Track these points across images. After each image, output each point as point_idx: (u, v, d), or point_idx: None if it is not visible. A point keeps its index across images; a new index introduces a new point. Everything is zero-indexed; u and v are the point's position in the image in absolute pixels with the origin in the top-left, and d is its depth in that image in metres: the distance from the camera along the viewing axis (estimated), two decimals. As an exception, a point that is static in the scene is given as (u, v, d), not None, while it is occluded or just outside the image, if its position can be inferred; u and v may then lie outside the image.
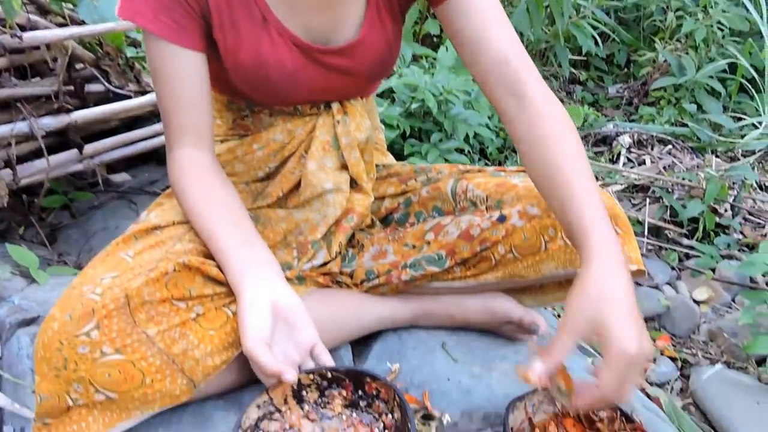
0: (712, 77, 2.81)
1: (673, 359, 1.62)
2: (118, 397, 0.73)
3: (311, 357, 0.81)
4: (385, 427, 0.80)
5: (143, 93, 1.64)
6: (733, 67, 2.94)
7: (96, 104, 1.54)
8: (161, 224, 0.89)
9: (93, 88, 1.59)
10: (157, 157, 1.85)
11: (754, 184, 2.32)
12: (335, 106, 0.99)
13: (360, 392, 0.83)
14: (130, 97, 1.58)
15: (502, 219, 0.94)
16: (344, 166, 1.00)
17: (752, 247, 2.03)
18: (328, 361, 0.81)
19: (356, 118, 1.00)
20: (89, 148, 1.45)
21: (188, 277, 0.81)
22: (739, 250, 2.01)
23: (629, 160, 2.55)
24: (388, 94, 2.05)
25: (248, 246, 0.84)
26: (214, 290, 0.83)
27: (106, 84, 1.59)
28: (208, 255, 0.88)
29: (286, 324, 0.79)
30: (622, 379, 0.67)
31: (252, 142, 1.02)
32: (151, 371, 0.74)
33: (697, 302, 1.85)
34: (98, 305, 0.72)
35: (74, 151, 1.43)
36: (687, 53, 2.88)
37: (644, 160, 2.52)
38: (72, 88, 1.51)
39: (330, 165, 0.98)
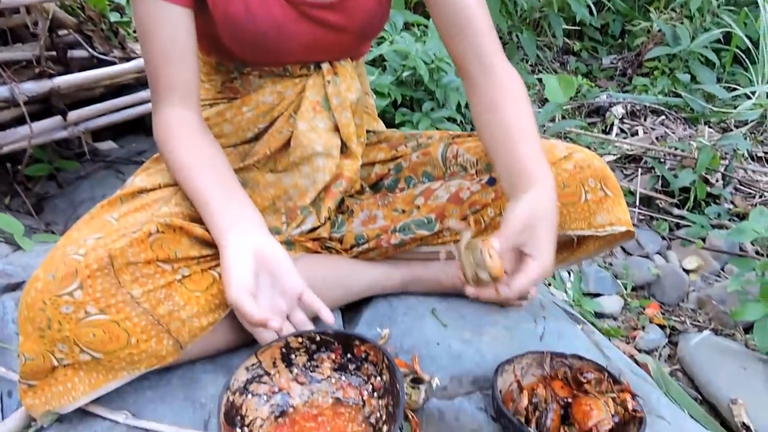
0: (706, 47, 2.78)
1: (662, 327, 1.64)
2: (104, 357, 0.72)
3: (301, 306, 0.81)
4: (374, 390, 0.80)
5: (128, 59, 1.61)
6: (728, 39, 2.91)
7: (80, 71, 1.51)
8: (147, 187, 0.88)
9: (77, 54, 1.56)
10: (144, 128, 1.82)
11: (746, 154, 2.32)
12: (325, 66, 0.97)
13: (349, 355, 0.83)
14: (114, 64, 1.55)
15: (491, 182, 0.93)
16: (335, 129, 0.99)
17: (742, 217, 2.03)
18: (320, 307, 0.80)
19: (347, 79, 0.98)
20: (73, 114, 1.43)
21: (173, 239, 0.80)
22: (729, 220, 2.02)
23: (622, 130, 2.54)
24: (379, 62, 2.02)
25: (234, 203, 0.83)
26: (200, 252, 0.82)
27: (90, 50, 1.55)
28: (195, 218, 0.86)
29: (270, 275, 0.78)
30: (530, 286, 0.78)
31: (241, 105, 1.00)
32: (137, 331, 0.73)
33: (687, 271, 1.86)
34: (81, 265, 0.71)
35: (58, 118, 1.40)
36: (682, 23, 2.85)
37: (637, 131, 2.52)
38: (55, 53, 1.47)
39: (322, 126, 0.97)
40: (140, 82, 1.68)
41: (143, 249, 0.76)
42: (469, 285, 0.78)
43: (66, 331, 0.70)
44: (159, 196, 0.88)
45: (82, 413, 0.77)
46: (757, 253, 1.86)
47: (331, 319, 0.81)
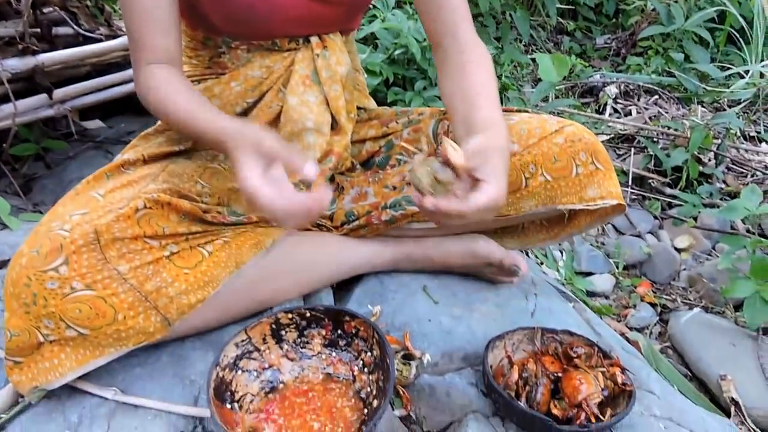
0: (700, 26, 2.76)
1: (653, 305, 1.65)
2: (90, 333, 0.71)
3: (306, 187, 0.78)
4: (364, 365, 0.80)
5: (114, 37, 1.57)
6: (722, 18, 2.89)
7: (65, 49, 1.48)
8: (131, 159, 0.87)
9: (62, 31, 1.53)
10: (133, 107, 1.79)
11: (738, 133, 2.32)
12: (314, 40, 0.96)
13: (339, 331, 0.83)
14: (101, 41, 1.52)
15: (482, 156, 0.92)
16: (325, 103, 0.97)
17: (734, 196, 2.04)
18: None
19: (336, 53, 0.97)
20: (59, 92, 1.40)
21: (161, 215, 0.79)
22: (721, 199, 2.02)
23: (615, 110, 2.53)
24: (371, 41, 2.00)
25: (233, 122, 0.79)
26: (189, 229, 0.81)
27: (75, 27, 1.52)
28: (183, 195, 0.85)
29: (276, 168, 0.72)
30: (485, 206, 0.73)
31: (229, 80, 0.98)
32: (124, 308, 0.72)
33: (678, 250, 1.87)
34: (66, 241, 0.70)
35: (44, 96, 1.37)
36: (676, 1, 2.82)
37: (630, 111, 2.51)
38: (39, 30, 1.44)
39: (312, 100, 0.95)
40: (127, 61, 1.63)
41: (130, 225, 0.75)
42: (426, 198, 0.74)
43: (51, 306, 0.69)
44: (146, 173, 0.87)
45: (71, 390, 0.77)
46: (748, 231, 1.87)
47: (312, 171, 0.72)
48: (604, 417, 0.78)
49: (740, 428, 1.22)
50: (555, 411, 0.79)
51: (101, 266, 0.71)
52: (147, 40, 0.84)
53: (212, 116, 0.79)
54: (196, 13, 0.91)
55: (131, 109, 1.80)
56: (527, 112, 0.99)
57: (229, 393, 0.74)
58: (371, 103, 1.19)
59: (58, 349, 0.72)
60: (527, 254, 1.66)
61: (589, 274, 1.74)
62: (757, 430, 1.26)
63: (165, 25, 0.84)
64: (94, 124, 1.68)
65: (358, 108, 1.12)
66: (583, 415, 0.77)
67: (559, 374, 0.85)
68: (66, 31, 1.53)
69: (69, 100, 1.44)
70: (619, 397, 0.83)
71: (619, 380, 0.83)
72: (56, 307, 0.69)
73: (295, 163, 0.71)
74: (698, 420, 0.92)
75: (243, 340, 0.78)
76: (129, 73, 1.60)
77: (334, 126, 1.00)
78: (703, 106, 2.50)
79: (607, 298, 1.68)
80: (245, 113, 0.99)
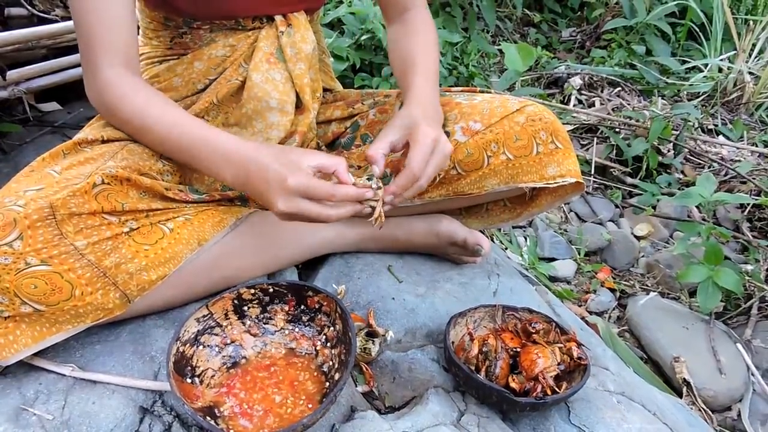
0: (661, 19, 2.83)
1: (613, 290, 1.69)
2: (47, 309, 0.70)
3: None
4: (327, 340, 0.81)
5: (70, 18, 1.53)
6: (684, 13, 2.97)
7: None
8: (89, 138, 0.85)
9: (15, 12, 1.48)
10: (93, 92, 1.75)
11: (696, 125, 2.39)
12: (278, 18, 0.95)
13: (302, 306, 0.83)
14: (56, 22, 1.47)
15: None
16: (290, 82, 0.97)
17: (691, 186, 2.10)
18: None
19: (301, 30, 0.96)
20: (13, 73, 1.35)
21: (120, 191, 0.78)
22: (678, 189, 2.08)
23: (580, 101, 2.58)
24: (337, 26, 1.99)
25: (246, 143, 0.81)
26: (149, 206, 0.80)
27: (29, 8, 1.47)
28: (144, 173, 0.84)
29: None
30: (427, 155, 0.79)
31: (192, 60, 0.97)
32: (81, 283, 0.71)
33: (638, 237, 1.92)
34: (20, 216, 0.68)
35: (-3, 77, 1.33)
36: (638, -4, 2.88)
37: (594, 102, 2.56)
38: (-8, 10, 1.39)
39: (278, 78, 0.95)
40: (87, 42, 1.60)
41: (87, 200, 0.73)
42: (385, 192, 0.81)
43: (5, 282, 0.67)
44: (105, 150, 0.85)
45: (27, 367, 0.75)
46: (703, 219, 1.93)
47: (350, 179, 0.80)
48: (559, 390, 0.80)
49: (691, 408, 1.26)
50: (513, 384, 0.81)
51: (57, 241, 0.70)
52: (108, 39, 0.80)
53: (217, 132, 0.80)
54: None
55: (91, 94, 1.76)
56: (490, 92, 1.01)
57: (189, 368, 0.74)
58: (337, 86, 1.19)
59: (14, 325, 0.70)
60: (492, 239, 1.68)
61: (552, 259, 1.78)
62: (707, 409, 1.31)
63: (122, 20, 0.80)
64: (51, 106, 1.64)
65: (325, 90, 1.12)
66: (539, 388, 0.80)
67: (519, 349, 0.87)
68: (19, 12, 1.47)
69: (23, 82, 1.40)
70: (575, 371, 0.86)
71: (575, 354, 0.85)
72: (10, 283, 0.67)
73: (342, 175, 0.77)
74: (650, 396, 0.95)
75: (204, 316, 0.78)
76: (88, 54, 1.55)
77: (299, 105, 1.00)
78: (663, 99, 2.57)
79: (568, 283, 1.72)
80: (206, 89, 0.98)
